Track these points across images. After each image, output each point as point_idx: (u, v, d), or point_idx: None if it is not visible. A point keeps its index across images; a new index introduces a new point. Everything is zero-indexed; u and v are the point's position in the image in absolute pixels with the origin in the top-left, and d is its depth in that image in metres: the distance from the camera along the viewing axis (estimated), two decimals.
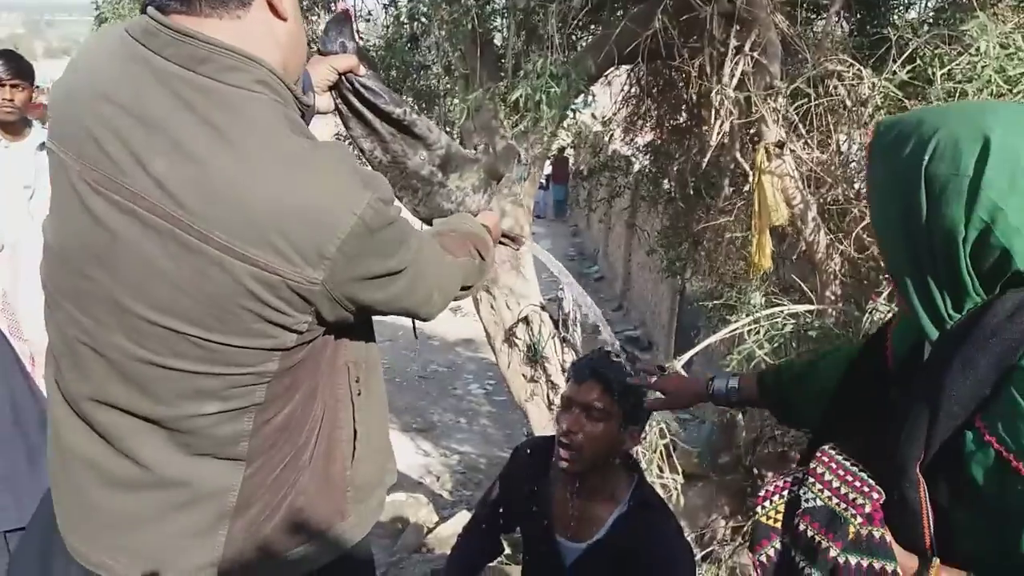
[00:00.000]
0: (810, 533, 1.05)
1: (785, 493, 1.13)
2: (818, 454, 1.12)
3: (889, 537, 1.03)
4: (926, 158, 0.97)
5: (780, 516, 1.12)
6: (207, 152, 0.95)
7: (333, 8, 3.87)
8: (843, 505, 1.04)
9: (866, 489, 1.04)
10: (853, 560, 1.02)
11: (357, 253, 1.00)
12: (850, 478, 1.07)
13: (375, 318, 1.26)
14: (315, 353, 1.11)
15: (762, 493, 1.16)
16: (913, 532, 1.02)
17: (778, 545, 1.11)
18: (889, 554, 1.01)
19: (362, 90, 1.40)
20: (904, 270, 1.02)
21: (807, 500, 1.08)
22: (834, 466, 1.09)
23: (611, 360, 1.77)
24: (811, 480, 1.09)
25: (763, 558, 1.11)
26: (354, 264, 1.01)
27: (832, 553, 1.02)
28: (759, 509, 1.15)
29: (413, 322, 1.34)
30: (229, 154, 0.95)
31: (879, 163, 1.06)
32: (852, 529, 1.02)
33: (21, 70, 3.05)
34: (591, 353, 1.84)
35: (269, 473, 1.11)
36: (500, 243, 1.66)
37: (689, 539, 3.46)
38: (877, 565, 1.01)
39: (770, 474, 3.32)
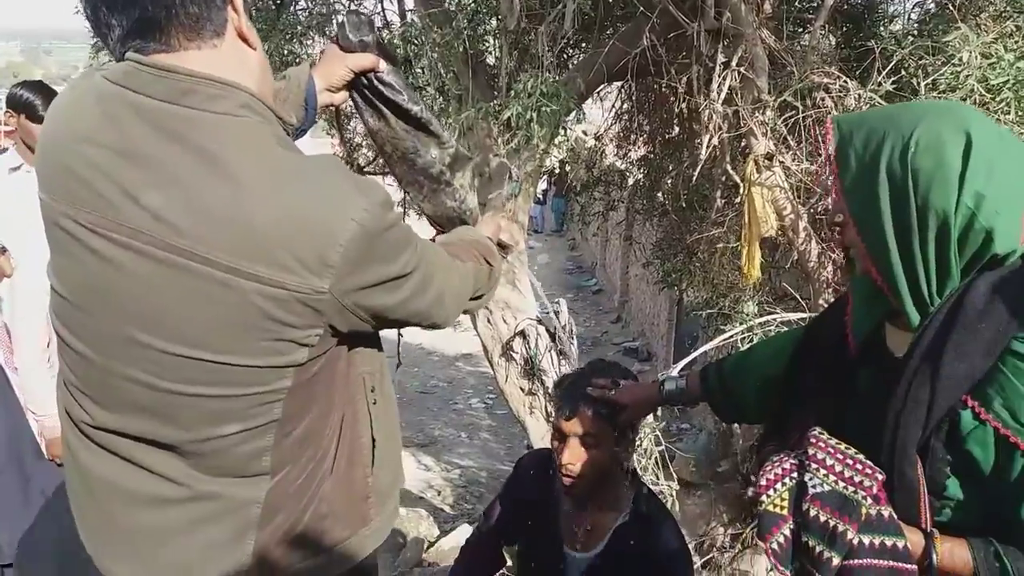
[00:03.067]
0: (823, 518, 1.08)
1: (788, 480, 1.15)
2: (812, 439, 1.15)
3: (895, 514, 1.08)
4: (911, 152, 1.04)
5: (786, 503, 1.14)
6: (201, 178, 0.97)
7: (328, 33, 3.93)
8: (851, 488, 1.08)
9: (869, 471, 1.08)
10: (867, 539, 1.06)
11: (360, 259, 1.02)
12: (851, 461, 1.10)
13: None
14: (330, 366, 1.13)
15: (763, 482, 1.18)
16: (909, 509, 1.08)
17: (787, 532, 1.13)
18: (898, 531, 1.06)
19: (380, 87, 1.39)
20: (892, 259, 1.07)
21: (814, 486, 1.11)
22: (831, 450, 1.12)
23: (592, 380, 1.75)
24: (814, 466, 1.12)
25: (775, 545, 1.13)
26: (359, 270, 1.03)
27: (850, 536, 1.05)
28: (764, 498, 1.16)
29: (398, 346, 1.34)
30: (224, 177, 0.97)
31: (853, 160, 1.11)
32: (864, 511, 1.06)
33: None
34: (570, 379, 1.81)
35: (292, 483, 1.13)
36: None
37: (689, 546, 3.48)
38: (889, 542, 1.06)
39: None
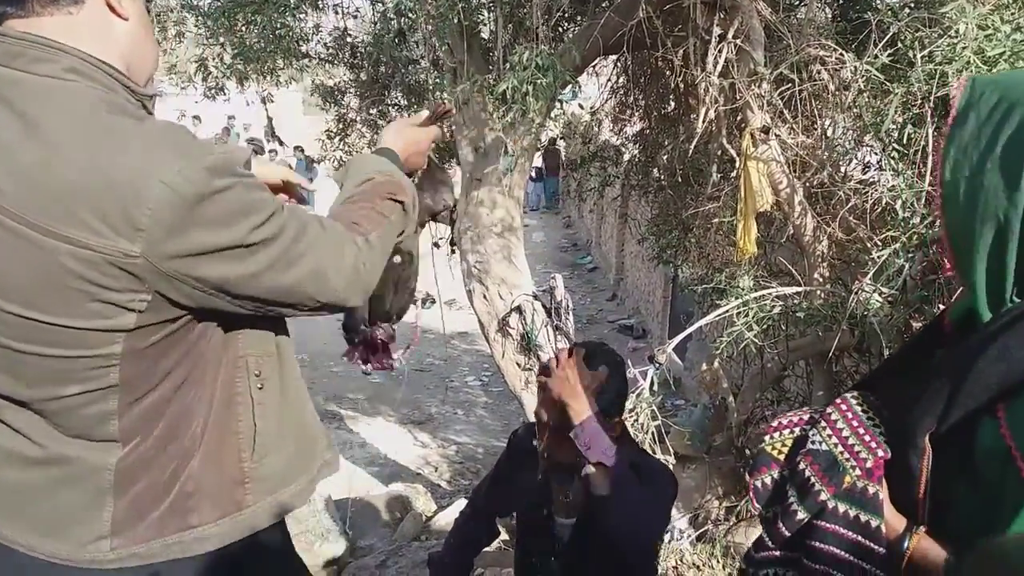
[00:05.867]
0: (807, 473, 1.07)
1: (796, 430, 1.15)
2: (838, 401, 1.12)
3: (884, 495, 1.04)
4: None
5: (785, 450, 1.14)
6: (19, 139, 0.99)
7: (320, 5, 3.88)
8: (846, 455, 1.06)
9: (873, 445, 1.05)
10: (841, 507, 1.05)
11: (177, 224, 0.99)
12: (861, 431, 1.07)
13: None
14: (185, 342, 1.12)
15: (774, 424, 1.18)
16: (908, 496, 1.02)
17: (775, 475, 1.13)
18: (878, 510, 1.03)
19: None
20: (975, 244, 0.95)
21: (813, 442, 1.10)
22: (849, 416, 1.10)
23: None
24: (823, 424, 1.11)
25: (759, 483, 1.14)
26: (176, 236, 1.00)
27: (823, 497, 1.05)
28: (767, 439, 1.17)
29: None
30: (38, 139, 0.98)
31: (971, 125, 0.98)
32: (848, 479, 1.04)
33: None
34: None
35: (144, 454, 1.14)
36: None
37: (684, 520, 3.51)
38: (863, 518, 1.03)
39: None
